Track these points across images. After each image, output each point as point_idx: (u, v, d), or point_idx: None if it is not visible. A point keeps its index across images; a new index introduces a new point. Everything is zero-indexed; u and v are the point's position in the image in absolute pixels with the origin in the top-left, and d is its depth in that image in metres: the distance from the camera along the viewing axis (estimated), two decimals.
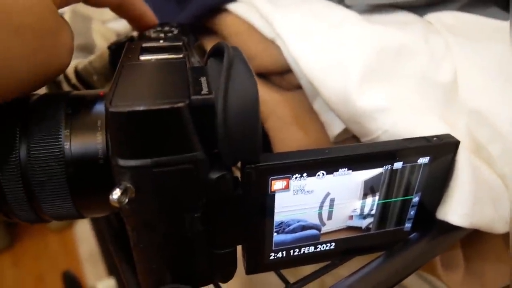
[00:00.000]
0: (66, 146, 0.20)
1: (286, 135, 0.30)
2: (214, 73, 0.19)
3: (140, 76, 0.20)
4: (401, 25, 0.30)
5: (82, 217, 0.23)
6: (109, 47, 0.32)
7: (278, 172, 0.20)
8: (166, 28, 0.31)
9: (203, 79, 0.19)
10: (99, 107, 0.21)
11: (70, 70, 0.35)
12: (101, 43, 0.43)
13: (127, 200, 0.17)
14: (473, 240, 0.30)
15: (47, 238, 1.44)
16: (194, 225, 0.20)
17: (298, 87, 0.32)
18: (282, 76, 0.34)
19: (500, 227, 0.25)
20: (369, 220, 0.23)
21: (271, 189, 0.20)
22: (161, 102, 0.17)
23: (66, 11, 0.47)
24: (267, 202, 0.21)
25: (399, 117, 0.24)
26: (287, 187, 0.20)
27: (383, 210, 0.23)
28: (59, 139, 0.20)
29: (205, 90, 0.18)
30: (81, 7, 0.49)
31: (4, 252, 1.37)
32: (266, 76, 0.35)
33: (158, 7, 0.38)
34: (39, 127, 0.20)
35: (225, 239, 0.21)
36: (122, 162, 0.17)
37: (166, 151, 0.17)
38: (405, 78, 0.26)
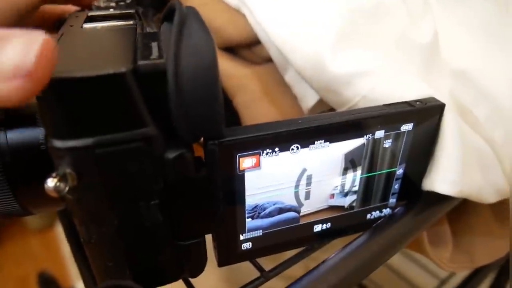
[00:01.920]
0: (0, 132, 0.17)
1: (257, 111, 0.27)
2: (167, 37, 0.17)
3: (80, 44, 0.17)
4: None
5: (30, 213, 0.20)
6: (55, 24, 0.28)
7: (247, 148, 0.17)
8: None
9: (154, 44, 0.16)
10: None
11: None
12: None
13: (67, 188, 0.15)
14: (460, 214, 0.29)
15: (28, 239, 1.40)
16: (152, 214, 0.17)
17: (268, 60, 0.30)
18: (250, 49, 0.31)
19: (490, 196, 0.23)
20: (352, 197, 0.21)
21: (239, 168, 0.18)
22: (101, 68, 0.14)
23: None
24: (236, 183, 0.18)
25: (378, 81, 0.22)
26: (257, 165, 0.18)
27: (367, 186, 0.21)
28: None
29: (155, 55, 0.15)
30: None
31: None
32: (233, 50, 0.32)
33: None
34: None
35: (190, 228, 0.19)
36: (59, 144, 0.15)
37: (110, 127, 0.15)
38: (382, 40, 0.24)
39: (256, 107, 0.28)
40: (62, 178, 0.14)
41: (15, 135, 0.17)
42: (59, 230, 1.41)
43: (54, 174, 0.14)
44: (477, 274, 0.52)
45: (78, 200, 0.16)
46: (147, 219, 0.17)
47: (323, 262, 0.20)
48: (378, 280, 0.61)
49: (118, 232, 0.17)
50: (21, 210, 0.19)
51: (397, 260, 0.61)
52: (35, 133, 0.17)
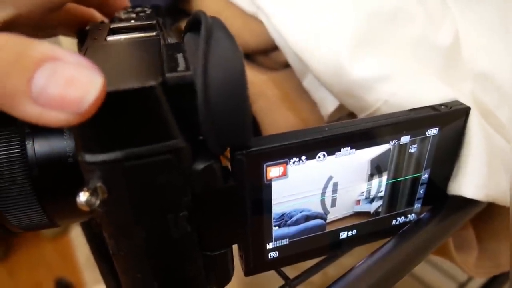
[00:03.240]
0: (28, 145, 0.17)
1: (276, 118, 0.27)
2: (192, 48, 0.17)
3: (106, 57, 0.17)
4: None
5: (56, 225, 0.20)
6: (77, 32, 0.29)
7: (273, 157, 0.17)
8: (138, 9, 0.28)
9: (179, 56, 0.17)
10: None
11: None
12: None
13: (98, 202, 0.15)
14: (484, 219, 0.28)
15: (42, 246, 1.41)
16: (180, 226, 0.17)
17: (286, 65, 0.30)
18: (267, 55, 0.31)
19: None
20: (378, 203, 0.21)
21: (266, 177, 0.18)
22: (130, 82, 0.14)
23: None
24: (263, 193, 0.18)
25: (399, 84, 0.22)
26: (284, 174, 0.18)
27: (392, 191, 0.21)
28: (20, 138, 0.17)
29: (181, 66, 0.15)
30: None
31: None
32: (250, 56, 0.32)
33: None
34: None
35: (217, 239, 0.19)
36: (89, 158, 0.15)
37: (139, 140, 0.15)
38: (402, 43, 0.24)
39: (274, 113, 0.28)
40: (93, 192, 0.14)
41: (42, 148, 0.17)
42: (73, 237, 1.42)
43: (85, 188, 0.14)
44: (497, 278, 0.51)
45: (107, 213, 0.16)
46: (176, 231, 0.17)
47: (351, 269, 0.20)
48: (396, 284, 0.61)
49: (147, 245, 0.17)
50: (48, 222, 0.19)
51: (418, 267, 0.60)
52: (63, 146, 0.17)
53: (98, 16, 0.26)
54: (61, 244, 1.41)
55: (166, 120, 0.15)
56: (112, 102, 0.14)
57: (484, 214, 0.27)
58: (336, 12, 0.25)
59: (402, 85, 0.22)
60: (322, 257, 0.23)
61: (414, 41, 0.24)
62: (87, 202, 0.14)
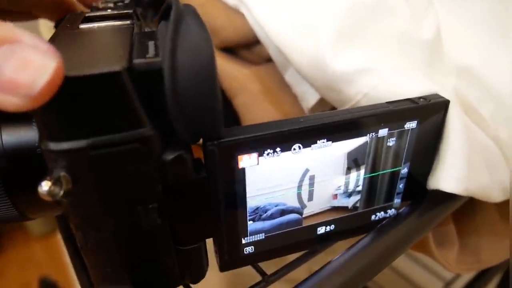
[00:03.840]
0: None
1: (257, 112, 0.27)
2: (164, 35, 0.16)
3: (76, 44, 0.17)
4: None
5: (28, 218, 0.20)
6: (55, 24, 0.28)
7: (247, 148, 0.17)
8: None
9: (150, 43, 0.16)
10: None
11: None
12: None
13: (62, 192, 0.14)
14: (466, 214, 0.28)
15: (31, 245, 1.40)
16: (150, 218, 0.16)
17: (268, 60, 0.29)
18: (249, 49, 0.31)
19: (496, 195, 0.23)
20: (356, 198, 0.21)
21: (239, 168, 0.17)
22: (95, 67, 0.13)
23: None
24: (236, 185, 0.18)
25: (380, 78, 0.22)
26: (257, 164, 0.17)
27: (370, 186, 0.21)
28: None
29: (151, 53, 0.15)
30: None
31: None
32: (233, 51, 0.31)
33: None
34: None
35: (190, 232, 0.18)
36: (52, 146, 0.14)
37: (105, 128, 0.14)
38: (384, 37, 0.24)
39: (256, 107, 0.28)
40: (57, 182, 0.14)
41: (10, 138, 0.17)
42: (61, 236, 1.41)
43: (48, 178, 0.14)
44: (482, 276, 0.51)
45: (73, 204, 0.15)
46: (146, 224, 0.17)
47: (327, 264, 0.20)
48: (382, 282, 0.61)
49: (116, 237, 0.17)
50: (19, 216, 0.19)
51: (401, 262, 0.60)
52: (31, 136, 0.17)
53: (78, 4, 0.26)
54: (50, 244, 1.40)
55: (133, 107, 0.14)
56: (76, 88, 0.13)
57: (466, 209, 0.27)
58: (317, 5, 0.24)
59: (383, 79, 0.22)
60: (302, 253, 0.23)
61: (396, 35, 0.24)
62: (50, 192, 0.14)
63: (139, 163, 0.15)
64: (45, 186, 0.14)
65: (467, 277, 0.53)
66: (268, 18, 0.25)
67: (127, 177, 0.15)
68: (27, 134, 0.17)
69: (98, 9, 0.24)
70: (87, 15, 0.21)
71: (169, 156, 0.16)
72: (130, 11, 0.22)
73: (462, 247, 0.27)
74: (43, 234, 1.41)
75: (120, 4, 0.25)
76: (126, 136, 0.14)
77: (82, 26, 0.19)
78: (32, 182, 0.17)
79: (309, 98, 0.26)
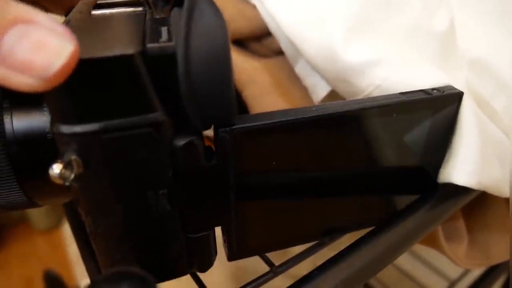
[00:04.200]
0: (6, 120, 0.17)
1: (266, 104, 0.27)
2: (177, 21, 0.16)
3: (88, 28, 0.17)
4: None
5: (37, 205, 0.20)
6: (66, 11, 0.28)
7: (259, 135, 0.17)
8: None
9: (163, 29, 0.16)
10: None
11: None
12: None
13: (73, 175, 0.14)
14: (476, 210, 0.28)
15: (34, 240, 1.41)
16: (160, 204, 0.16)
17: (278, 53, 0.29)
18: (260, 42, 0.30)
19: (508, 189, 0.23)
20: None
21: (250, 156, 0.17)
22: (108, 50, 0.13)
23: None
24: (247, 173, 0.17)
25: (392, 69, 0.21)
26: (269, 153, 0.17)
27: (381, 177, 0.20)
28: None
29: (164, 38, 0.15)
30: None
31: None
32: (243, 43, 0.31)
33: None
34: None
35: (199, 220, 0.18)
36: (64, 129, 0.14)
37: (118, 112, 0.14)
38: (396, 29, 0.23)
39: (265, 100, 0.27)
40: (68, 165, 0.14)
41: (21, 124, 0.17)
42: (65, 231, 1.41)
43: (59, 160, 0.14)
44: (488, 275, 0.51)
45: (84, 189, 0.15)
46: (155, 210, 0.16)
47: (334, 256, 0.19)
48: (387, 281, 0.60)
49: (125, 223, 0.16)
50: (27, 202, 0.19)
51: (406, 261, 0.60)
52: (42, 122, 0.17)
53: None
54: (53, 238, 1.41)
55: (146, 91, 0.14)
56: (90, 70, 0.13)
57: (476, 205, 0.26)
58: None
59: (395, 70, 0.22)
60: (308, 246, 0.23)
61: (409, 28, 0.24)
62: (61, 175, 0.14)
63: (150, 148, 0.15)
64: (56, 168, 0.14)
65: (472, 277, 0.52)
66: (280, 9, 0.25)
67: (138, 161, 0.15)
68: (38, 120, 0.17)
69: None
70: (98, 2, 0.21)
71: (181, 142, 0.15)
72: None
73: (471, 242, 0.26)
74: (46, 228, 1.42)
75: None
76: (138, 120, 0.14)
77: (94, 12, 0.19)
78: (42, 168, 0.17)
79: (319, 91, 0.26)
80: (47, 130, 0.17)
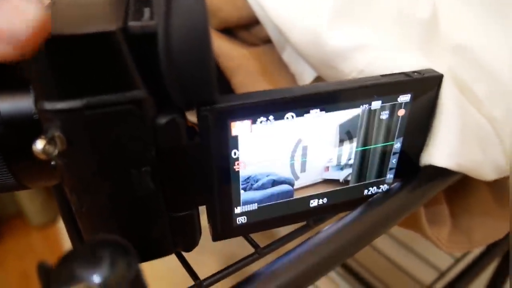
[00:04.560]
0: None
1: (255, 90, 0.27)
2: (159, 2, 0.16)
3: (72, 8, 0.17)
4: None
5: (26, 187, 0.20)
6: None
7: (241, 114, 0.17)
8: None
9: (146, 9, 0.16)
10: None
11: None
12: None
13: (56, 151, 0.14)
14: (458, 194, 0.29)
15: (30, 235, 1.40)
16: (144, 182, 0.17)
17: (266, 41, 0.30)
18: (248, 30, 0.31)
19: (488, 173, 0.23)
20: (347, 171, 0.21)
21: (231, 134, 0.17)
22: (91, 27, 0.14)
23: None
24: (229, 152, 0.18)
25: (376, 54, 0.22)
26: (251, 132, 0.18)
27: (362, 159, 0.21)
28: None
29: (146, 17, 0.15)
30: None
31: None
32: (232, 31, 0.32)
33: None
34: None
35: (183, 199, 0.18)
36: (47, 106, 0.14)
37: (100, 89, 0.14)
38: (380, 15, 0.24)
39: (253, 86, 0.28)
40: (51, 141, 0.14)
41: (7, 105, 0.17)
42: (61, 226, 1.41)
43: (43, 136, 0.14)
44: (475, 266, 0.51)
45: (68, 166, 0.16)
46: (139, 188, 0.17)
47: (315, 234, 0.20)
48: (377, 272, 0.61)
49: (110, 201, 0.17)
50: (16, 184, 0.19)
51: (396, 252, 0.61)
52: (28, 102, 0.17)
53: None
54: (50, 234, 1.40)
55: (127, 68, 0.15)
56: (72, 47, 0.14)
57: (458, 189, 0.27)
58: None
59: (378, 55, 0.22)
60: (295, 227, 0.23)
61: (392, 14, 0.24)
62: (44, 151, 0.14)
63: (132, 125, 0.15)
64: (39, 144, 0.14)
65: (460, 267, 0.53)
66: None
67: (120, 139, 0.15)
68: (24, 101, 0.17)
69: None
70: None
71: (162, 120, 0.16)
72: None
73: (454, 226, 0.27)
74: (42, 224, 1.42)
75: None
76: (120, 97, 0.15)
77: None
78: (29, 149, 0.17)
79: (305, 76, 0.26)
80: (33, 111, 0.17)
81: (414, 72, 0.20)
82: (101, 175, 0.16)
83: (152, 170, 0.17)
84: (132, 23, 0.14)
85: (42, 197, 1.33)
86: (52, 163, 0.16)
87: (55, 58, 0.14)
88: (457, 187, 0.25)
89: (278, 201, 0.20)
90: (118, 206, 0.17)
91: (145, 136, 0.16)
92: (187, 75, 0.15)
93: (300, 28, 0.24)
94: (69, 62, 0.14)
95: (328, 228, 0.19)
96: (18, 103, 0.17)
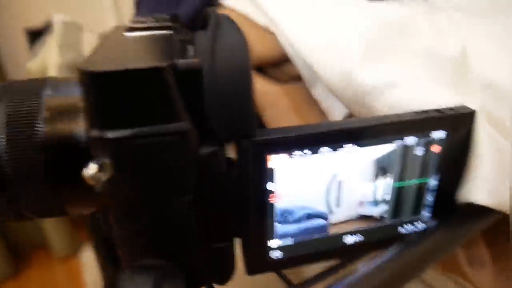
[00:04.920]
0: (40, 127, 0.18)
1: (285, 125, 0.28)
2: (203, 42, 0.18)
3: (122, 46, 0.18)
4: (402, 4, 0.29)
5: (66, 213, 0.20)
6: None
7: (278, 148, 0.18)
8: (157, 15, 0.30)
9: (190, 47, 0.17)
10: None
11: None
12: None
13: (104, 177, 0.15)
14: (498, 239, 0.27)
15: (52, 266, 1.41)
16: (184, 211, 0.17)
17: (296, 78, 0.31)
18: (279, 68, 0.32)
19: None
20: (383, 207, 0.21)
21: (269, 168, 0.18)
22: (142, 63, 0.15)
23: (56, 22, 0.46)
24: (265, 184, 0.18)
25: (407, 91, 0.22)
26: (288, 166, 0.18)
27: (398, 195, 0.21)
28: (36, 122, 0.18)
29: (191, 55, 0.16)
30: (72, 17, 0.48)
31: (9, 281, 1.34)
32: (263, 69, 0.33)
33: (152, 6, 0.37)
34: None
35: (220, 230, 0.19)
36: (98, 134, 0.15)
37: (148, 120, 0.15)
38: (410, 53, 0.24)
39: (284, 122, 0.28)
40: (101, 167, 0.15)
41: (55, 131, 0.18)
42: (83, 258, 1.41)
43: (94, 162, 0.15)
44: None
45: (113, 192, 0.16)
46: (179, 217, 0.17)
47: (350, 274, 0.19)
48: None
49: (150, 228, 0.17)
50: (58, 209, 0.20)
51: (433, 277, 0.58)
52: (76, 129, 0.18)
53: None
54: (72, 265, 1.41)
55: (174, 102, 0.15)
56: (125, 81, 0.15)
57: (499, 233, 0.26)
58: (346, 22, 0.26)
59: (409, 92, 0.22)
60: (329, 265, 0.23)
61: (421, 52, 0.25)
62: (94, 176, 0.15)
63: (176, 155, 0.16)
64: (91, 170, 0.15)
65: None
66: (298, 36, 0.27)
67: (165, 168, 0.16)
68: (72, 128, 0.18)
69: (140, 22, 0.26)
70: (130, 26, 0.22)
71: (205, 151, 0.16)
72: (170, 24, 0.23)
73: (496, 268, 0.26)
74: (65, 255, 1.43)
75: (159, 18, 0.27)
76: (167, 128, 0.15)
77: (127, 34, 0.20)
78: (74, 176, 0.18)
79: (336, 114, 0.27)
80: (78, 138, 0.18)
81: (447, 108, 0.20)
82: (144, 203, 0.17)
83: (192, 199, 0.17)
84: (179, 60, 0.16)
85: (67, 228, 1.35)
86: (97, 189, 0.17)
87: (108, 91, 0.15)
88: (495, 231, 0.24)
89: (312, 237, 0.20)
90: (157, 233, 0.18)
91: (188, 166, 0.16)
92: (230, 109, 0.16)
93: (331, 66, 0.25)
94: (121, 94, 0.15)
95: (362, 267, 0.19)
96: (67, 131, 0.18)
